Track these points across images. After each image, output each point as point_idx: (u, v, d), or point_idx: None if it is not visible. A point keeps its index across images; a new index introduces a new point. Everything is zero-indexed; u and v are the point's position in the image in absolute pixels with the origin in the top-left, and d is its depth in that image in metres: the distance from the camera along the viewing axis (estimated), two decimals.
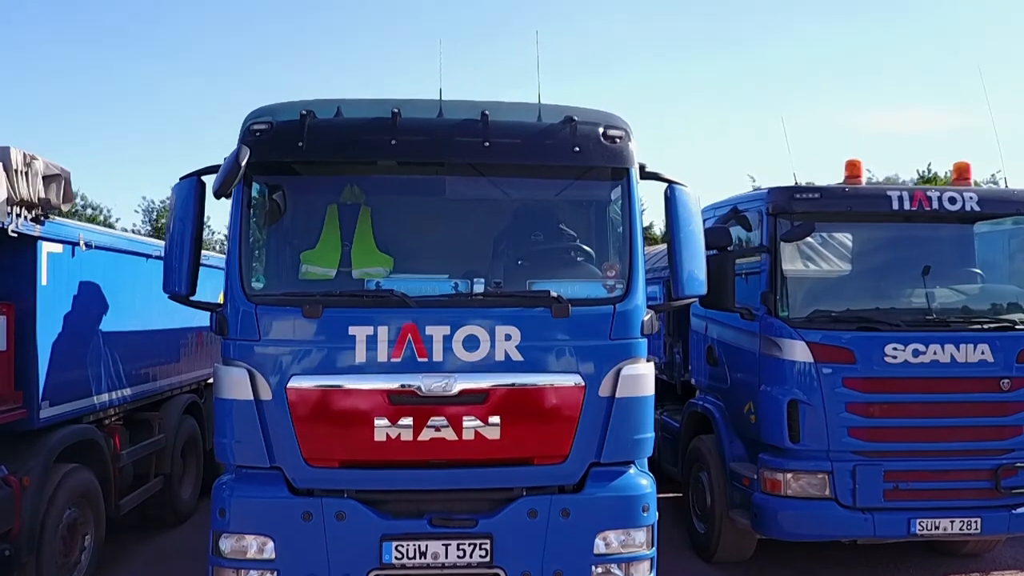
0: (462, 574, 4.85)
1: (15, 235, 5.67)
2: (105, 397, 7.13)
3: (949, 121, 55.62)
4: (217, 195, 4.88)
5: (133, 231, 38.29)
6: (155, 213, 38.20)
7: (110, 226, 37.86)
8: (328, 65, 66.31)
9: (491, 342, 4.84)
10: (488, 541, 4.83)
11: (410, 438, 4.78)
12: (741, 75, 61.58)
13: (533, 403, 4.90)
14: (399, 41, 68.03)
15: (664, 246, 6.59)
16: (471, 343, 4.84)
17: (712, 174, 54.93)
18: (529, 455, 4.94)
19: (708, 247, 5.51)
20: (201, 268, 5.13)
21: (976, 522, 6.54)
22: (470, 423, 4.81)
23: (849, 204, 6.79)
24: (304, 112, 4.95)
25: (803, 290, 6.92)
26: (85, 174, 56.63)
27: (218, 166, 4.99)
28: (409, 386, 4.77)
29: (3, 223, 5.49)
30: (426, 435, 4.78)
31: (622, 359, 4.96)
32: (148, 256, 7.98)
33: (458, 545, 4.82)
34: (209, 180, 5.03)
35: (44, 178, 5.86)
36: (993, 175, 20.97)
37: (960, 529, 6.56)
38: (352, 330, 4.81)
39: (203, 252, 5.29)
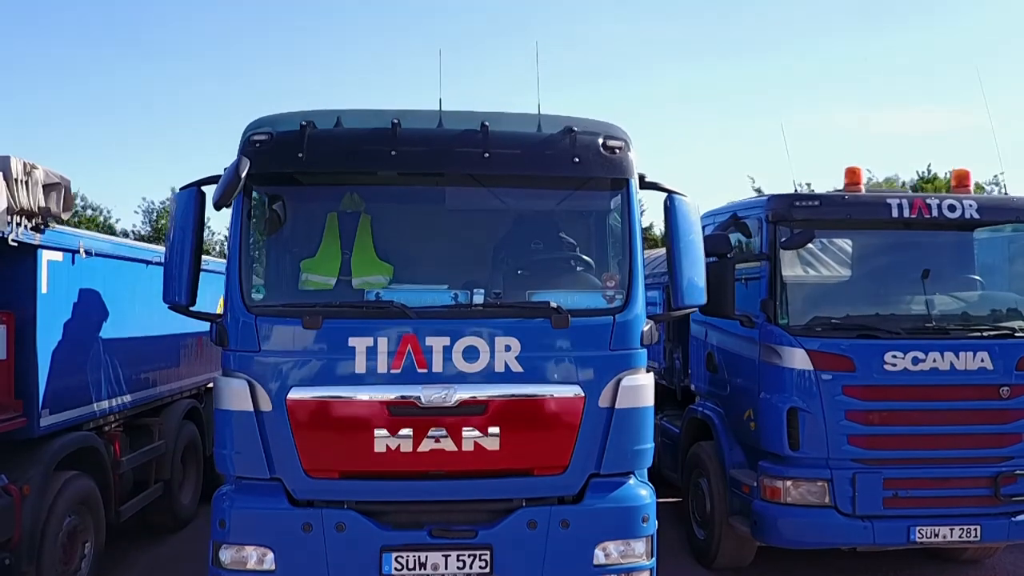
0: None
1: (15, 244, 5.68)
2: (105, 404, 7.13)
3: (949, 121, 55.58)
4: (217, 206, 4.89)
5: (133, 231, 38.35)
6: (155, 214, 38.19)
7: (110, 226, 37.91)
8: (328, 67, 66.28)
9: (491, 353, 4.85)
10: (488, 552, 4.84)
11: (410, 449, 4.79)
12: (741, 78, 61.50)
13: (533, 414, 4.91)
14: (399, 45, 67.96)
15: (664, 249, 6.60)
16: (471, 354, 4.85)
17: (712, 176, 54.93)
18: (529, 466, 4.95)
19: (707, 254, 5.53)
20: (201, 272, 5.14)
21: (976, 530, 6.54)
22: (470, 434, 4.81)
23: (849, 212, 6.80)
24: (304, 123, 4.95)
25: (802, 298, 6.91)
26: (85, 175, 56.70)
27: (218, 176, 5.00)
28: (409, 397, 4.77)
29: (3, 232, 5.49)
30: (426, 446, 4.79)
31: (622, 370, 4.97)
32: (148, 262, 7.99)
33: (458, 556, 4.82)
34: (209, 190, 5.05)
35: (44, 187, 5.87)
36: (996, 176, 21.03)
37: (960, 537, 6.56)
38: (352, 341, 4.81)
39: (203, 256, 5.30)
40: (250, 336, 4.85)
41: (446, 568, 4.82)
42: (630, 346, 5.00)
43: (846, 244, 7.25)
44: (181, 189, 5.14)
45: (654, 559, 5.08)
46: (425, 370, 4.81)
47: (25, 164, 5.66)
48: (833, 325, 6.71)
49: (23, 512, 5.69)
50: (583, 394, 4.90)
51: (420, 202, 5.49)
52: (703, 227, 5.62)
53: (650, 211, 23.15)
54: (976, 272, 7.32)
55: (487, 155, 4.97)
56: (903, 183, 31.49)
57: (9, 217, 5.51)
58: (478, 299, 5.07)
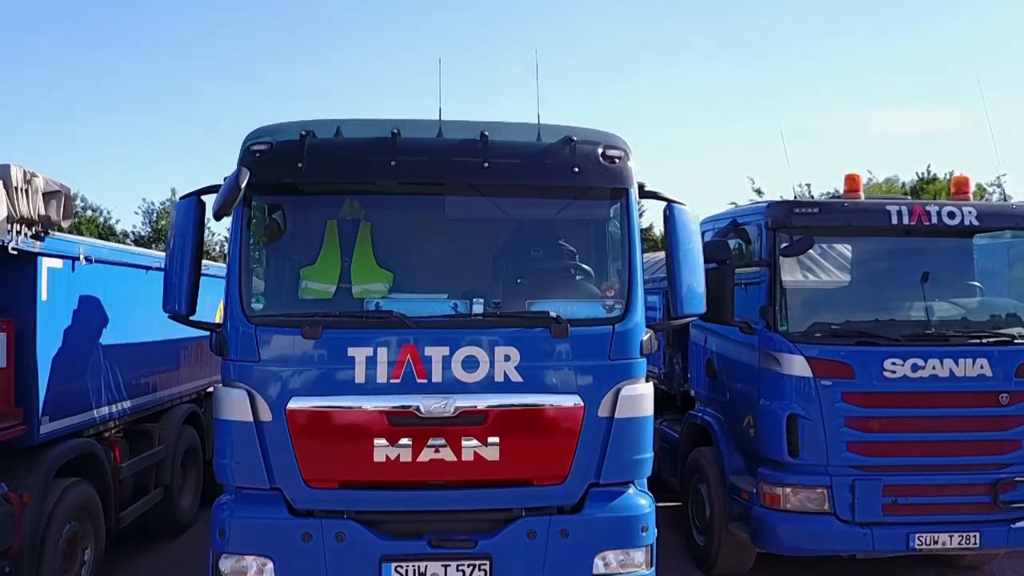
0: None
1: (15, 252, 5.68)
2: (105, 410, 7.13)
3: (949, 122, 55.58)
4: (217, 217, 4.90)
5: (133, 232, 38.34)
6: (155, 215, 38.17)
7: (110, 227, 37.88)
8: (328, 67, 66.24)
9: (490, 362, 4.86)
10: (487, 562, 4.84)
11: (409, 459, 4.79)
12: (741, 79, 61.41)
13: (532, 424, 4.91)
14: (399, 45, 67.85)
15: (664, 253, 6.60)
16: (470, 364, 4.85)
17: (712, 176, 54.94)
18: (528, 475, 4.95)
19: (707, 260, 5.53)
20: (200, 278, 5.14)
21: (975, 536, 6.55)
22: (469, 444, 4.82)
23: (848, 219, 6.80)
24: (304, 132, 4.96)
25: (802, 304, 6.92)
26: (85, 175, 56.74)
27: (218, 186, 5.00)
28: (408, 407, 4.78)
29: (3, 241, 5.49)
30: (425, 456, 4.80)
31: (621, 379, 4.98)
32: (148, 268, 7.99)
33: (457, 566, 4.83)
34: (209, 200, 5.05)
35: (44, 195, 5.87)
36: (998, 178, 21.03)
37: (959, 544, 6.57)
38: (352, 351, 4.82)
39: (202, 260, 5.30)
40: (250, 346, 4.85)
41: None
42: (630, 355, 5.01)
43: (846, 250, 7.26)
44: (181, 199, 5.14)
45: (653, 568, 5.09)
46: (425, 380, 4.82)
47: (25, 172, 5.66)
48: (832, 332, 6.72)
49: (23, 520, 5.69)
50: (582, 403, 4.90)
51: (420, 210, 5.49)
52: (702, 233, 5.62)
53: (650, 212, 23.15)
54: (975, 278, 7.33)
55: (487, 165, 4.97)
56: (903, 184, 31.48)
57: (9, 225, 5.51)
58: (478, 308, 5.06)
